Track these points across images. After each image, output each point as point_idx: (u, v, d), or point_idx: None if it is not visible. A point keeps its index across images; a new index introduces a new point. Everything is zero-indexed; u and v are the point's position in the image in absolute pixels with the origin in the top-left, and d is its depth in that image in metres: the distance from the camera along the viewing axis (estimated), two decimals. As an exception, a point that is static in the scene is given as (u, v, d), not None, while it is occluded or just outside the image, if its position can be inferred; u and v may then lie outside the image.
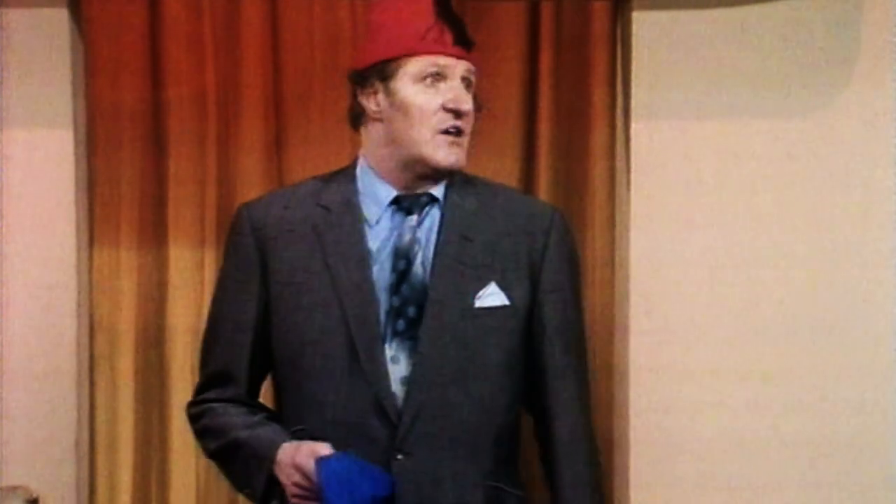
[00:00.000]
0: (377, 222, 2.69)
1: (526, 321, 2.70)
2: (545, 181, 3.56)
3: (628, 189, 3.53)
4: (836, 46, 3.47)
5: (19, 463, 3.48)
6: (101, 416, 3.62)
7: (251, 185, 3.60)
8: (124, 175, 3.63)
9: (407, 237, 2.68)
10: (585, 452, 2.72)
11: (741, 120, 3.48)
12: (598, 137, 3.59)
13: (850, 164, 3.49)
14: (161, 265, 3.63)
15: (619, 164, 3.58)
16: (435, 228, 2.69)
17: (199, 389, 2.79)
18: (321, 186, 2.77)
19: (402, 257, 2.66)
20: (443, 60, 2.66)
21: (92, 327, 3.61)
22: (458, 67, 2.68)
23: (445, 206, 2.70)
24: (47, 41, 3.53)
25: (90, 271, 3.62)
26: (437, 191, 2.72)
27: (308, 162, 3.60)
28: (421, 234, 2.68)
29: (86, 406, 3.59)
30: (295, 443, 2.61)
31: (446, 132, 2.66)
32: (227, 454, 2.72)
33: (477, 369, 2.65)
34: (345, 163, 3.70)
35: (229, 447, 2.71)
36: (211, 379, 2.76)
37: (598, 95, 3.59)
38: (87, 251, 3.61)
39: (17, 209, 3.53)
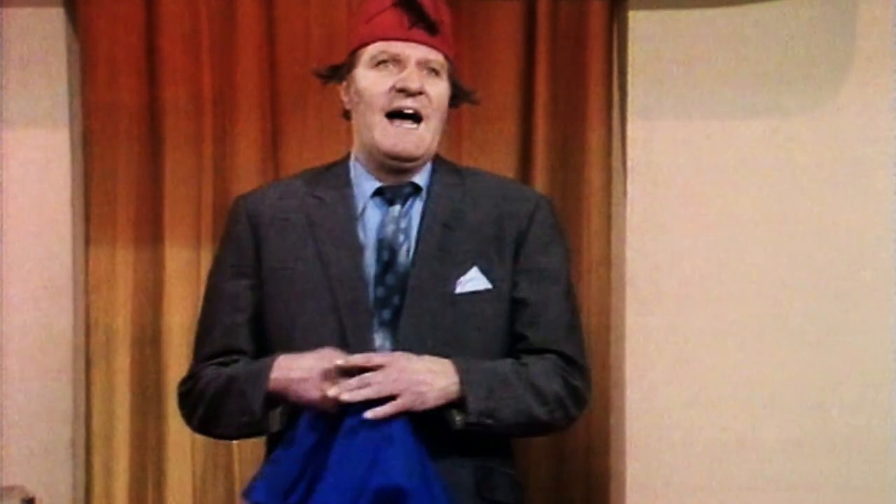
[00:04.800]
0: (362, 214, 2.70)
1: (510, 304, 2.69)
2: (541, 181, 3.55)
3: (625, 188, 3.53)
4: (833, 46, 3.47)
5: (15, 462, 3.49)
6: (97, 415, 3.61)
7: (247, 184, 3.58)
8: (120, 174, 3.62)
9: (390, 228, 2.69)
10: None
11: (738, 119, 3.48)
12: (595, 137, 3.58)
13: (848, 164, 3.49)
14: (157, 264, 3.63)
15: (616, 163, 3.58)
16: (418, 218, 2.69)
17: (195, 368, 2.76)
18: (316, 178, 2.79)
19: (386, 248, 2.67)
20: (394, 46, 2.66)
21: (88, 326, 3.61)
22: (414, 53, 2.66)
23: (429, 195, 2.71)
24: (43, 40, 3.54)
25: (86, 270, 3.62)
26: (421, 179, 2.72)
27: (304, 160, 3.58)
28: (405, 224, 2.69)
29: (82, 405, 3.60)
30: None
31: (398, 115, 2.65)
32: (219, 398, 2.66)
33: (457, 355, 2.63)
34: (341, 162, 3.68)
35: (220, 391, 2.66)
36: (209, 358, 2.74)
37: (595, 95, 3.57)
38: (83, 250, 3.62)
39: (14, 208, 3.54)
